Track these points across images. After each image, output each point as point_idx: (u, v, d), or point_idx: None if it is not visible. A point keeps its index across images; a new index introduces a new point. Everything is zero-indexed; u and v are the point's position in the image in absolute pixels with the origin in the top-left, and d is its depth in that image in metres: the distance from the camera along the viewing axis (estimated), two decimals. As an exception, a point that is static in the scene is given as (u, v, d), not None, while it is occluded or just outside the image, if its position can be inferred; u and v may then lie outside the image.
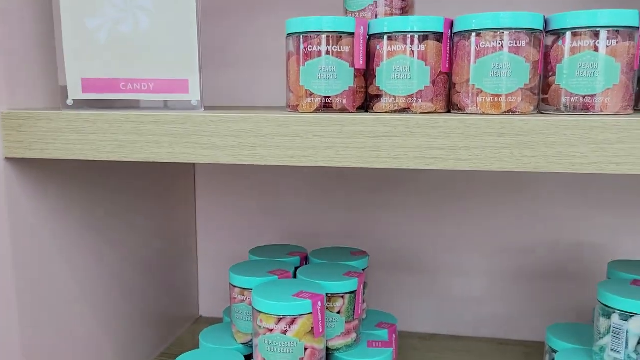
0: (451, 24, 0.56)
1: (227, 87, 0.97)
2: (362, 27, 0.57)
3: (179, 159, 0.54)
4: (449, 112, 0.58)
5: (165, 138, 0.54)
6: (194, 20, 0.60)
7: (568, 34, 0.52)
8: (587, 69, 0.51)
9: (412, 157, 0.50)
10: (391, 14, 0.64)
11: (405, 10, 0.65)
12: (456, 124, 0.49)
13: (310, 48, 0.56)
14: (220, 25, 0.96)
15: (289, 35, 0.58)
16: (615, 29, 0.51)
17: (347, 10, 0.66)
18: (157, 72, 0.61)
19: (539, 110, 0.56)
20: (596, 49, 0.51)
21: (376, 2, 0.64)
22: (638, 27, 0.51)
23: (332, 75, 0.56)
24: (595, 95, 0.52)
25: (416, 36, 0.55)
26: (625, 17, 0.51)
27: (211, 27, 0.94)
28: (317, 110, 0.57)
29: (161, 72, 0.61)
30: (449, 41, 0.56)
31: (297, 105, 0.58)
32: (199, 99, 0.61)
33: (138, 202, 0.84)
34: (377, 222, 0.98)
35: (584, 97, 0.52)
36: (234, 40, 0.96)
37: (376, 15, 0.64)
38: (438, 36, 0.56)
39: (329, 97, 0.57)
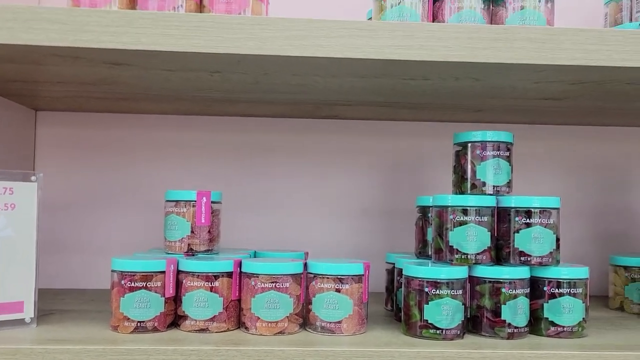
0: (240, 264, 0.76)
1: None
2: (172, 265, 0.74)
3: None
4: (238, 328, 0.76)
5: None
6: (33, 256, 0.73)
7: (318, 278, 0.74)
8: (332, 304, 0.73)
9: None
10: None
11: (211, 241, 0.84)
12: (234, 352, 0.66)
13: (129, 284, 0.72)
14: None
15: (113, 271, 0.73)
16: (348, 276, 0.74)
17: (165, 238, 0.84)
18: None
19: (305, 328, 0.76)
20: (337, 290, 0.73)
21: (188, 235, 0.82)
22: (362, 274, 0.75)
23: (146, 305, 0.72)
24: (338, 321, 0.73)
25: (212, 274, 0.74)
26: (353, 268, 0.74)
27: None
28: (133, 332, 0.72)
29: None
30: (238, 277, 0.76)
31: (117, 326, 0.72)
32: (32, 316, 0.73)
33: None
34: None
35: (329, 323, 0.73)
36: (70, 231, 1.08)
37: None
38: (230, 273, 0.75)
39: (142, 320, 0.72)
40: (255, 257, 0.90)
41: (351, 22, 0.67)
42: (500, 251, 0.77)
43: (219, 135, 1.11)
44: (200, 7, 0.73)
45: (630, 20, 1.02)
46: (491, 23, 0.81)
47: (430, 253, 0.81)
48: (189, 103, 0.99)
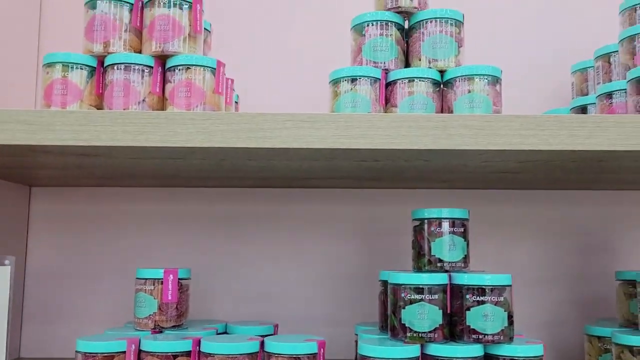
0: (199, 342, 0.79)
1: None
2: (133, 345, 0.77)
3: None
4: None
5: None
6: (4, 336, 0.77)
7: (274, 357, 0.76)
8: None
9: None
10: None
11: (179, 316, 0.87)
12: None
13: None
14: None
15: (77, 352, 0.77)
16: (303, 355, 0.76)
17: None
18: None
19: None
20: None
21: (155, 312, 0.85)
22: (316, 353, 0.77)
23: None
24: None
25: (171, 354, 0.77)
26: (307, 347, 0.76)
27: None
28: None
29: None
30: (197, 357, 0.78)
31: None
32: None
33: None
34: None
35: None
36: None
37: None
38: (189, 352, 0.77)
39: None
40: (225, 330, 0.92)
41: (296, 114, 0.71)
42: (454, 328, 0.78)
43: (199, 207, 1.16)
44: (163, 101, 0.79)
45: (595, 91, 1.05)
46: (442, 105, 0.85)
47: (390, 328, 0.82)
48: (168, 179, 1.04)
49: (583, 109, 1.01)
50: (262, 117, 0.71)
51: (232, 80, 0.91)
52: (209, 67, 0.78)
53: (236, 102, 1.00)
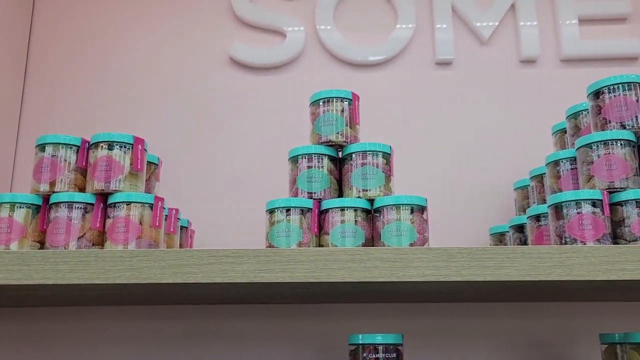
0: None
1: None
2: None
3: None
4: None
5: None
6: None
7: None
8: None
9: None
10: None
11: None
12: None
13: None
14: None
15: None
16: None
17: None
18: None
19: None
20: None
21: None
22: None
23: None
24: None
25: None
26: None
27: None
28: None
29: None
30: None
31: None
32: None
33: None
34: None
35: None
36: None
37: None
38: None
39: None
40: None
41: (220, 250, 0.75)
42: None
43: (160, 324, 1.17)
44: (103, 235, 0.84)
45: (538, 203, 1.08)
46: (372, 232, 0.89)
47: None
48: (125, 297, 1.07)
49: (520, 227, 1.05)
50: (188, 253, 0.75)
51: (177, 210, 0.97)
52: (147, 202, 0.84)
53: (185, 227, 1.05)
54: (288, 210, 0.88)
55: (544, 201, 1.02)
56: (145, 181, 0.93)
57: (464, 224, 1.22)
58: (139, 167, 0.86)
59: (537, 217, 0.95)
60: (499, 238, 1.13)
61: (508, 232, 1.09)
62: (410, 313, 1.14)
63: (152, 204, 0.84)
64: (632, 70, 1.32)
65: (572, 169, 0.95)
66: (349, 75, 1.35)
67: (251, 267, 0.75)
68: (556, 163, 0.98)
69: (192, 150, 1.29)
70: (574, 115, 1.02)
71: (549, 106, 1.25)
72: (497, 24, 1.35)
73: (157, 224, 0.84)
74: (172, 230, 0.93)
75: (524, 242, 1.03)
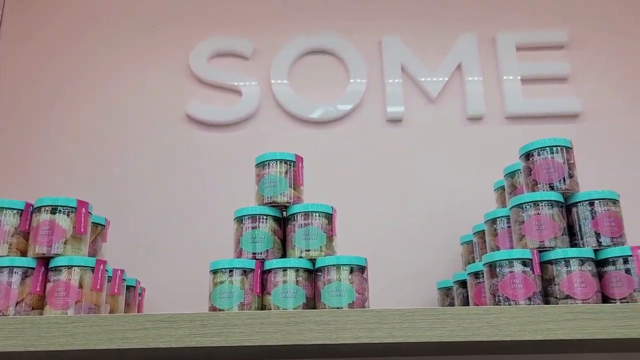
0: None
1: None
2: None
3: None
4: None
5: None
6: None
7: None
8: None
9: None
10: None
11: None
12: None
13: None
14: None
15: None
16: None
17: None
18: None
19: None
20: None
21: None
22: None
23: None
24: None
25: None
26: None
27: None
28: None
29: None
30: None
31: None
32: None
33: None
34: None
35: None
36: None
37: None
38: None
39: None
40: None
41: (157, 315, 0.76)
42: None
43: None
44: (43, 299, 0.84)
45: (480, 259, 1.11)
46: (313, 292, 0.90)
47: None
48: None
49: (463, 283, 1.07)
50: (124, 318, 0.76)
51: (122, 271, 0.97)
52: (88, 266, 0.84)
53: (133, 287, 1.05)
54: (231, 271, 0.90)
55: (485, 258, 1.06)
56: (91, 243, 0.94)
57: (414, 280, 1.25)
58: (82, 230, 0.88)
59: (476, 274, 0.98)
60: (446, 293, 1.15)
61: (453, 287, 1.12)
62: None
63: (94, 267, 0.85)
64: (573, 127, 1.38)
65: (508, 227, 0.99)
66: (303, 132, 1.39)
67: (187, 332, 0.76)
68: (493, 221, 1.02)
69: (145, 208, 1.31)
70: (511, 175, 1.06)
71: (495, 162, 1.29)
72: (445, 82, 1.41)
73: (98, 287, 0.85)
74: (116, 291, 0.94)
75: (466, 298, 1.05)
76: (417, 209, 1.32)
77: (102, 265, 0.86)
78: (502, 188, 1.13)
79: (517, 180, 1.05)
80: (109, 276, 0.93)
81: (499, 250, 0.99)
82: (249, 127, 1.39)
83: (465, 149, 1.38)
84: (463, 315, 0.77)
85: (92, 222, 0.94)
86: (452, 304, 1.12)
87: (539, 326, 0.76)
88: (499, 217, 1.01)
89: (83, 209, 0.89)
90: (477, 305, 0.99)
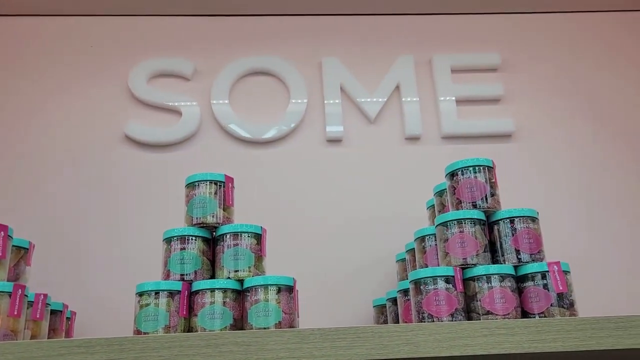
0: None
1: None
2: None
3: None
4: None
5: None
6: None
7: None
8: None
9: None
10: None
11: None
12: None
13: None
14: None
15: None
16: None
17: None
18: None
19: None
20: None
21: None
22: None
23: None
24: None
25: None
26: None
27: None
28: None
29: None
30: None
31: None
32: None
33: None
34: None
35: None
36: None
37: None
38: None
39: None
40: None
41: (72, 340, 0.75)
42: None
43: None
44: (-44, 326, 0.82)
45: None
46: (241, 313, 0.90)
47: None
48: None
49: (395, 300, 1.09)
50: (37, 345, 0.74)
51: (46, 295, 0.95)
52: (5, 291, 0.82)
53: (60, 311, 1.03)
54: (157, 293, 0.89)
55: (417, 275, 1.07)
56: (12, 267, 0.92)
57: (351, 298, 1.26)
58: (1, 254, 0.85)
59: (405, 292, 1.00)
60: (381, 310, 1.16)
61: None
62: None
63: (11, 293, 0.83)
64: (505, 147, 1.43)
65: (436, 244, 1.01)
66: (244, 152, 1.40)
67: (103, 357, 0.74)
68: (422, 239, 1.04)
69: (78, 229, 1.29)
70: (440, 193, 1.09)
71: (431, 181, 1.32)
72: (383, 103, 1.44)
73: (15, 313, 0.83)
74: (38, 316, 0.91)
75: (397, 315, 1.07)
76: (356, 228, 1.34)
77: (20, 290, 0.84)
78: (433, 206, 1.16)
79: (445, 198, 1.07)
80: (29, 301, 0.91)
81: (427, 267, 1.01)
82: (187, 147, 1.39)
83: (402, 168, 1.40)
84: (383, 333, 0.78)
85: (14, 246, 0.92)
86: (386, 322, 1.13)
87: (456, 342, 0.78)
88: (427, 235, 1.03)
89: (2, 232, 0.86)
90: (406, 322, 1.00)
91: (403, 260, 1.19)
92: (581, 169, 1.43)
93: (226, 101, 1.42)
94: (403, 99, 1.45)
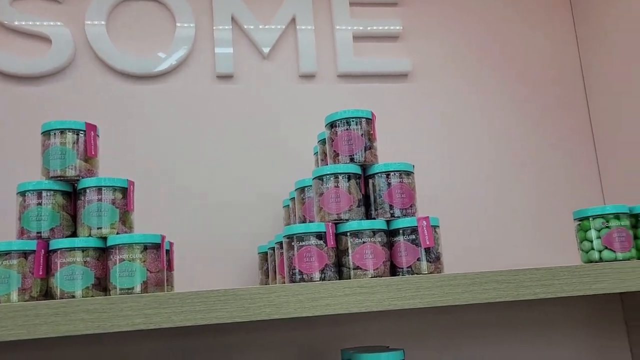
0: None
1: None
2: None
3: None
4: None
5: None
6: None
7: None
8: None
9: None
10: None
11: None
12: None
13: None
14: None
15: None
16: None
17: None
18: None
19: None
20: None
21: None
22: None
23: None
24: None
25: None
26: None
27: None
28: None
29: None
30: None
31: None
32: None
33: None
34: None
35: None
36: None
37: None
38: None
39: None
40: None
41: None
42: None
43: None
44: None
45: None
46: (105, 273, 0.86)
47: None
48: None
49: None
50: None
51: None
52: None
53: None
54: (7, 254, 0.82)
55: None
56: None
57: (239, 244, 1.24)
58: None
59: (281, 244, 0.99)
60: (265, 257, 1.15)
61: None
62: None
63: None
64: (403, 87, 1.41)
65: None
66: (124, 87, 1.29)
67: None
68: (302, 190, 1.02)
69: None
70: (322, 142, 1.06)
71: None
72: (278, 35, 1.36)
73: None
74: None
75: (277, 265, 1.06)
76: (246, 172, 1.30)
77: None
78: (316, 154, 1.13)
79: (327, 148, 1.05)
80: None
81: (305, 219, 1.00)
82: (58, 81, 1.26)
83: (296, 108, 1.36)
84: (245, 296, 0.77)
85: None
86: (268, 270, 1.13)
87: (318, 302, 0.78)
88: (306, 187, 1.01)
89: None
90: (281, 275, 1.00)
91: (286, 207, 1.17)
92: (482, 113, 1.44)
93: (102, 29, 1.28)
94: (298, 32, 1.38)
